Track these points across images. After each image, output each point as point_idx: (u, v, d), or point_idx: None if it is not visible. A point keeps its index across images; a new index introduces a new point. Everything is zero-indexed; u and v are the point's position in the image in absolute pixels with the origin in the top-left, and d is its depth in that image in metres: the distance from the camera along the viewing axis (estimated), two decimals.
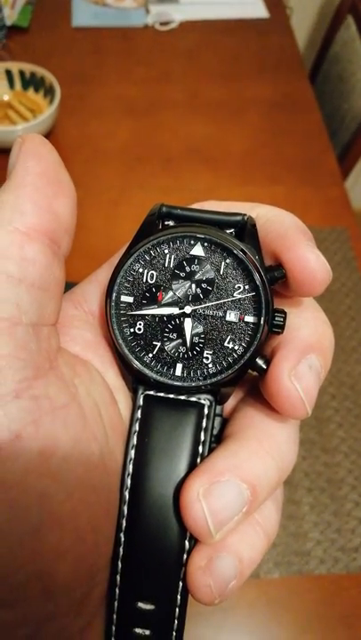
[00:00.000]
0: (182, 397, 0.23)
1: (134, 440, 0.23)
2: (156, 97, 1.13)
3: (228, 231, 0.24)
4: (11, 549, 0.18)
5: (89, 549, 0.21)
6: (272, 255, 0.23)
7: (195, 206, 0.25)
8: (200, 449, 0.23)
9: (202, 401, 0.23)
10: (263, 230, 0.23)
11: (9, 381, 0.19)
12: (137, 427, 0.23)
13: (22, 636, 0.19)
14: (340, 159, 1.36)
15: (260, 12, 1.31)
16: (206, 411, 0.23)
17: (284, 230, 0.22)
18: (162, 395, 0.24)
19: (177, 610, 0.22)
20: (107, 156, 1.03)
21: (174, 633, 0.23)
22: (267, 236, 0.23)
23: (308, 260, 0.21)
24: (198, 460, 0.23)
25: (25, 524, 0.19)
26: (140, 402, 0.24)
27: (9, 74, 1.03)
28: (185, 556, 0.22)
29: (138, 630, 0.22)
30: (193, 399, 0.23)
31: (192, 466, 0.23)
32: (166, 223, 0.24)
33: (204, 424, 0.23)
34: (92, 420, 0.22)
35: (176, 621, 0.22)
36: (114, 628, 0.23)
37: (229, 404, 0.26)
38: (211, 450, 0.23)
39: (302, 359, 0.22)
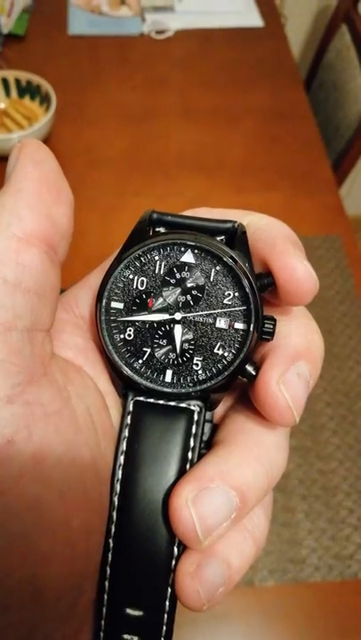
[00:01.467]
0: (172, 403, 0.23)
1: (124, 446, 0.23)
2: (151, 105, 1.14)
3: (218, 238, 0.24)
4: (2, 554, 0.18)
5: (80, 554, 0.21)
6: (262, 263, 0.23)
7: (186, 213, 0.25)
8: (189, 455, 0.23)
9: (192, 407, 0.23)
10: (253, 238, 0.23)
11: (2, 386, 0.19)
12: (126, 432, 0.23)
13: None
14: (334, 167, 1.37)
15: (255, 20, 1.32)
16: (196, 417, 0.23)
17: (274, 239, 0.22)
18: (152, 401, 0.24)
19: (165, 616, 0.22)
20: (103, 163, 1.03)
21: (163, 639, 0.22)
22: (257, 243, 0.23)
23: (296, 270, 0.21)
24: (188, 466, 0.23)
25: (17, 529, 0.19)
26: (130, 408, 0.24)
27: (5, 82, 1.04)
28: (174, 562, 0.22)
29: (126, 637, 0.22)
30: (183, 405, 0.23)
31: (181, 472, 0.22)
32: (157, 230, 0.24)
33: (193, 430, 0.23)
34: (84, 426, 0.22)
35: (165, 627, 0.22)
36: (102, 635, 0.22)
37: (220, 409, 0.26)
38: (201, 456, 0.23)
39: (291, 366, 0.22)
